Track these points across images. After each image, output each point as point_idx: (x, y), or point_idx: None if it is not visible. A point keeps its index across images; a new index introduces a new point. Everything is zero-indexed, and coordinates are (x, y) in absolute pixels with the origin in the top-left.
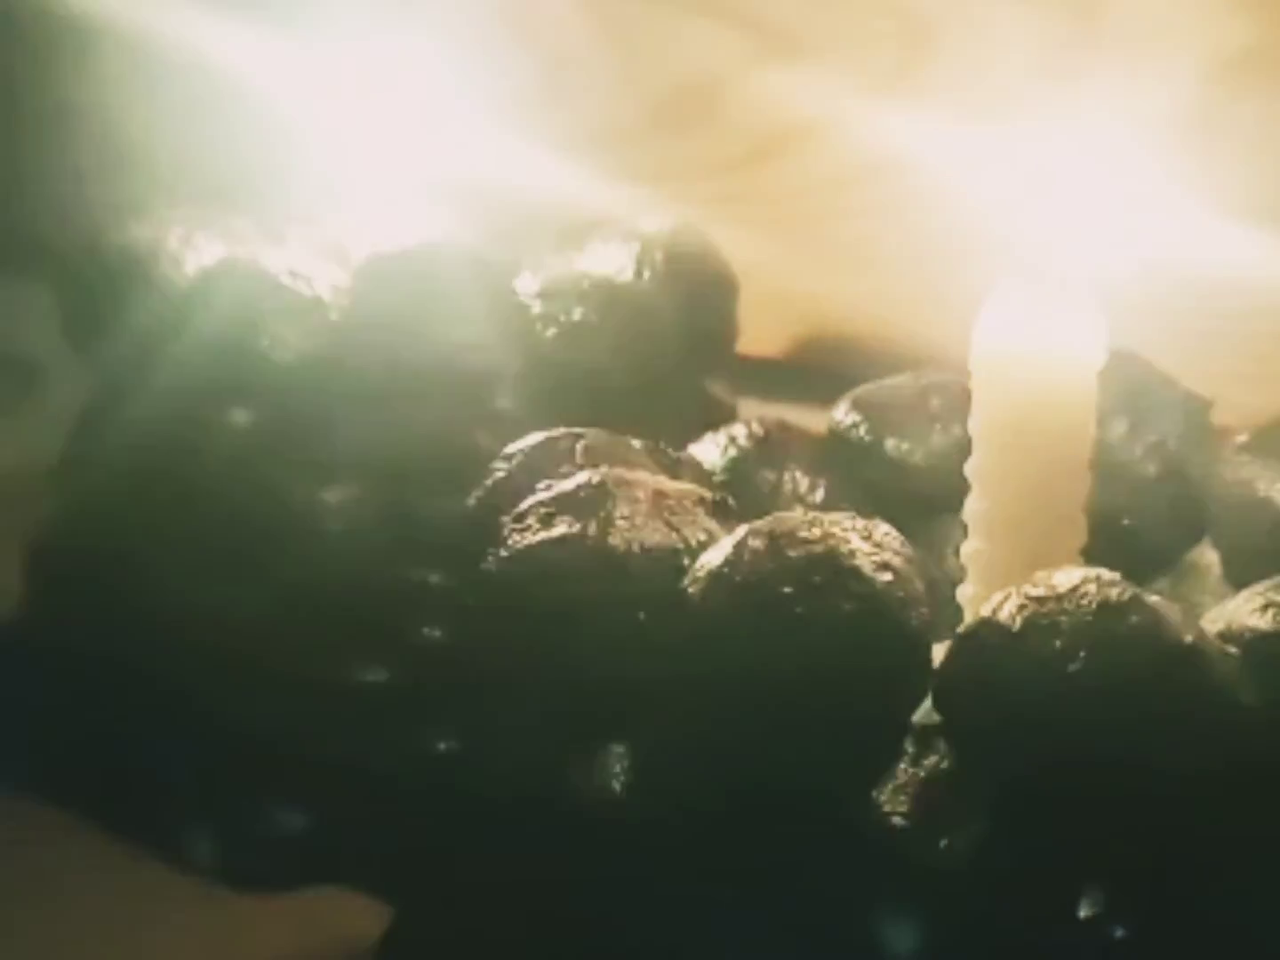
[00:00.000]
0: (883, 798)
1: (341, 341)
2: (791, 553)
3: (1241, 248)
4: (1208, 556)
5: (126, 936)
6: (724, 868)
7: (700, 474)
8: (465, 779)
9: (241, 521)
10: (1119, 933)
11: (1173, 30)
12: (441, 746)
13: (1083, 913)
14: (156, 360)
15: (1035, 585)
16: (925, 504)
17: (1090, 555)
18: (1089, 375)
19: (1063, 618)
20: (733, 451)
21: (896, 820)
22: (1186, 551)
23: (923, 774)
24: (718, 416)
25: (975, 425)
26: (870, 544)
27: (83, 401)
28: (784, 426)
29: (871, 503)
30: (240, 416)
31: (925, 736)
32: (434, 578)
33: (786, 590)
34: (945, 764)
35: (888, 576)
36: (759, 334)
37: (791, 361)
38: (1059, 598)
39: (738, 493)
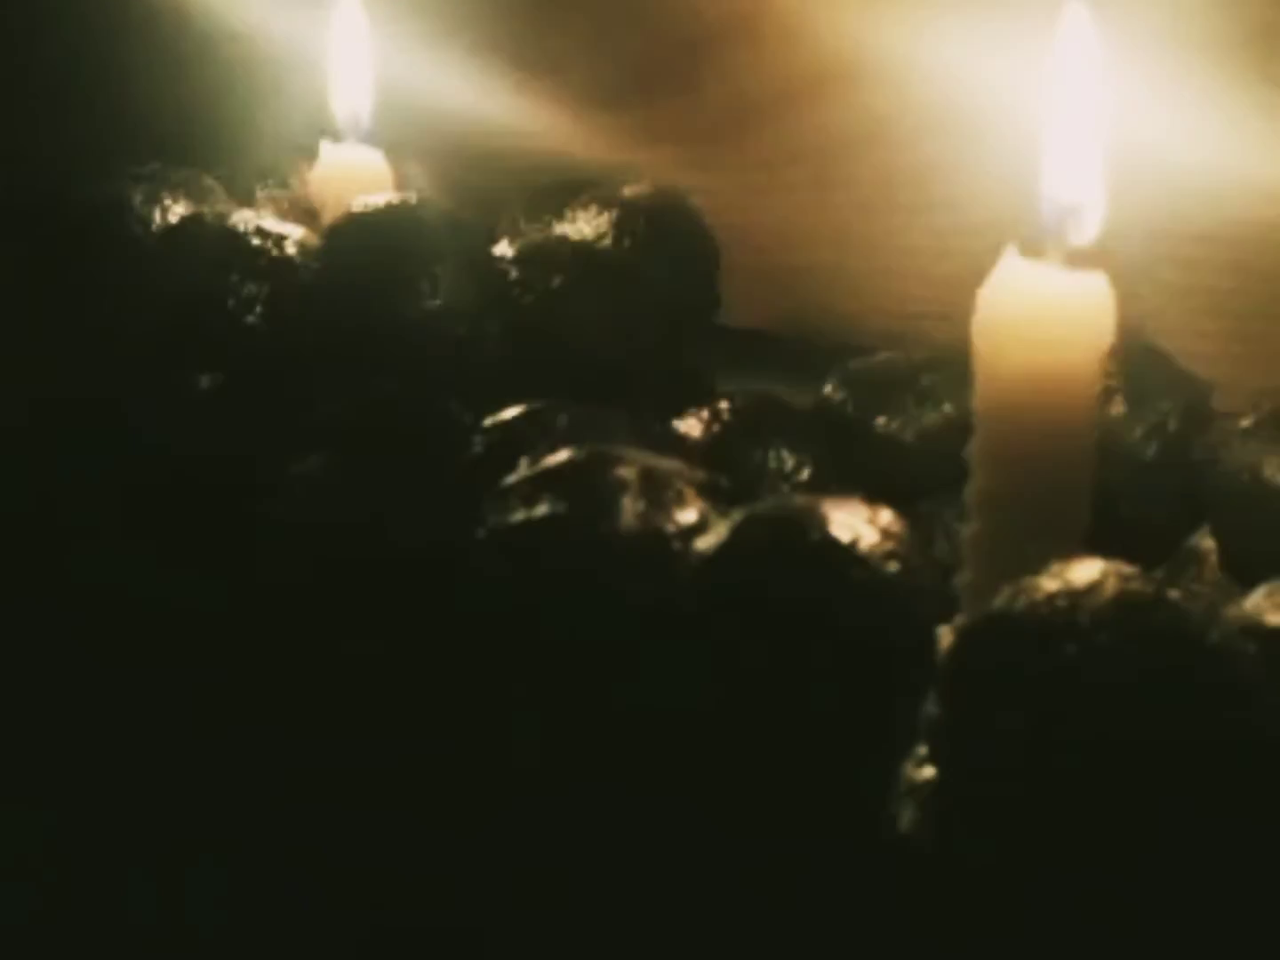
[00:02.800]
0: (888, 797)
1: (310, 303)
2: (793, 542)
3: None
4: (1206, 543)
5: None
6: (727, 868)
7: (685, 451)
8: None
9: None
10: (1136, 934)
11: None
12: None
13: (1096, 914)
14: (118, 320)
15: (1051, 578)
16: (916, 485)
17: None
18: (1098, 352)
19: (1080, 615)
20: (716, 427)
21: (902, 819)
22: (1185, 538)
23: (930, 772)
24: (699, 391)
25: (978, 404)
26: (877, 531)
27: (42, 360)
28: (770, 402)
29: (860, 483)
30: (205, 379)
31: (932, 733)
32: (406, 551)
33: (788, 582)
34: (952, 762)
35: (895, 566)
36: (743, 306)
37: (776, 336)
38: (1075, 593)
39: (721, 470)
